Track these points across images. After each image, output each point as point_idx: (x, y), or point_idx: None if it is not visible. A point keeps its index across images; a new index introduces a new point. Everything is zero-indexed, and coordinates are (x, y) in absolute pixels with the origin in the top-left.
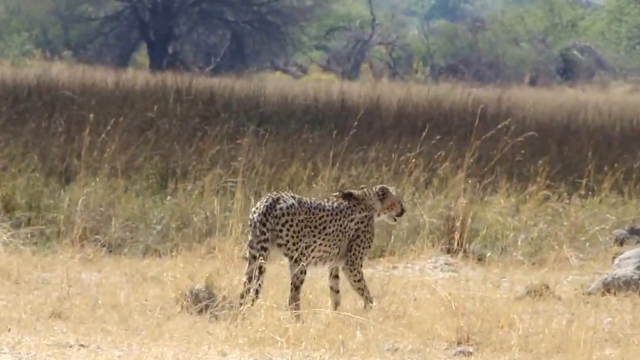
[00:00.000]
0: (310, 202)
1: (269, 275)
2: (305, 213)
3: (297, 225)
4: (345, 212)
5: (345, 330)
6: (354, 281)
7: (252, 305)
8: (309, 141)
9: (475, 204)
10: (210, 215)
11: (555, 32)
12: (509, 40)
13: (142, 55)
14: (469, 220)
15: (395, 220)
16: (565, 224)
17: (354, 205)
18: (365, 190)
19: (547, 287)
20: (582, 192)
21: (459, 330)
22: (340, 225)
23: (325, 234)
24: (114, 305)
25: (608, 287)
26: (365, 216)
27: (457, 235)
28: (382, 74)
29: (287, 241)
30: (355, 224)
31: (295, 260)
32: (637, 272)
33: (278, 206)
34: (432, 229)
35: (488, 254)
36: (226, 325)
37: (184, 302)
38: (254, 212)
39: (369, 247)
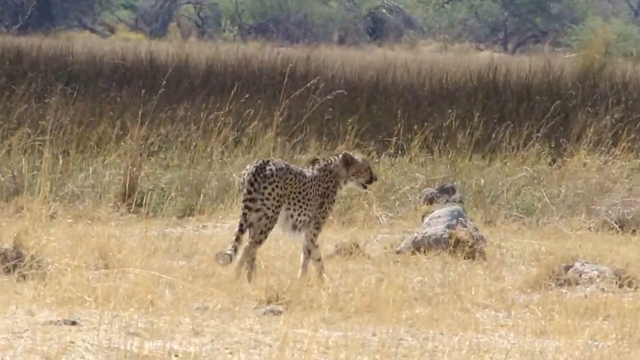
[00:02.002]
0: (296, 169)
1: (78, 235)
2: (291, 179)
3: (281, 189)
4: (318, 179)
5: (154, 290)
6: (313, 245)
7: (229, 261)
8: (117, 100)
9: None
10: (18, 174)
11: None
12: None
13: None
14: None
15: (365, 187)
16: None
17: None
18: (331, 157)
19: (357, 246)
20: (392, 151)
21: (268, 289)
22: (317, 192)
23: (308, 200)
24: None
25: (418, 246)
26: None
27: None
28: (190, 33)
29: (267, 198)
30: (325, 187)
31: (268, 218)
32: (447, 230)
33: (267, 167)
34: (242, 188)
35: None
36: (34, 285)
37: None
38: (244, 174)
39: (330, 210)
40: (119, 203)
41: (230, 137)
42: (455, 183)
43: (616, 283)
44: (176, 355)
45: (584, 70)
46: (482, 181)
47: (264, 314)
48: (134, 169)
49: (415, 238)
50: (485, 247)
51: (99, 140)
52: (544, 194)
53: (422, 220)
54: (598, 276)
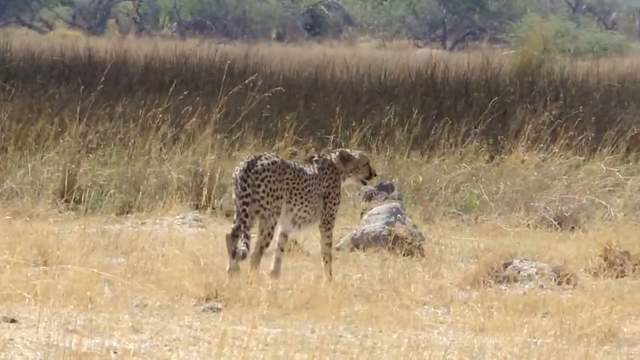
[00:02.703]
0: (295, 165)
1: (17, 231)
2: (289, 174)
3: (274, 183)
4: (318, 177)
5: (93, 287)
6: (326, 244)
7: (242, 258)
8: (55, 97)
9: (223, 159)
10: None
11: None
12: None
13: None
14: (217, 176)
15: (364, 183)
16: None
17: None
18: (328, 155)
19: (296, 243)
20: (330, 147)
21: (207, 286)
22: (317, 190)
23: (310, 197)
24: None
25: (357, 243)
26: (335, 178)
27: (205, 191)
28: (128, 29)
29: (262, 197)
30: (328, 184)
31: (266, 219)
32: (386, 227)
33: (259, 162)
34: (180, 185)
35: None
36: None
37: None
38: (236, 170)
39: (338, 205)
40: (57, 200)
41: (168, 134)
42: (393, 180)
43: (555, 280)
44: (115, 352)
45: (522, 67)
46: (421, 178)
47: (203, 311)
48: (73, 165)
49: (354, 235)
50: (424, 244)
51: (38, 137)
52: (483, 191)
53: (361, 217)
54: (537, 273)
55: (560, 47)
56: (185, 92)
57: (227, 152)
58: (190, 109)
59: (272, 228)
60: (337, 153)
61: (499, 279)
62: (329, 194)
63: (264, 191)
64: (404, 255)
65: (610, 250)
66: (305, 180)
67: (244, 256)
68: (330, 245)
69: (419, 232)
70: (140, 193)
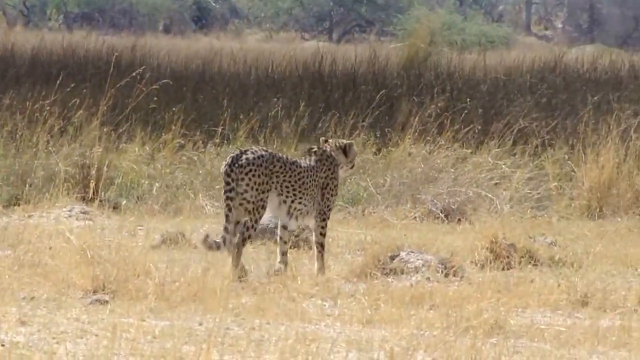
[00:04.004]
0: (286, 158)
1: None
2: (279, 167)
3: (259, 177)
4: (316, 169)
5: None
6: (320, 233)
7: (217, 249)
8: None
9: (110, 152)
10: None
11: None
12: None
13: None
14: (105, 168)
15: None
16: (201, 172)
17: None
18: (325, 146)
19: (183, 236)
20: (218, 140)
21: (94, 278)
22: (315, 181)
23: (304, 189)
24: None
25: None
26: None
27: (92, 184)
28: (15, 22)
29: (245, 190)
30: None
31: (250, 212)
32: (273, 220)
33: (244, 156)
34: (68, 178)
35: (124, 203)
36: None
37: None
38: (223, 165)
39: (335, 197)
40: None
41: (55, 126)
42: None
43: (441, 272)
44: (3, 345)
45: (409, 59)
46: None
47: (91, 303)
48: None
49: None
50: (311, 236)
51: None
52: (370, 184)
53: None
54: (423, 265)
55: (447, 40)
56: (73, 85)
57: (114, 144)
58: (78, 101)
59: (257, 222)
60: (339, 144)
61: (385, 272)
62: (327, 185)
63: (247, 184)
64: (291, 247)
65: (496, 242)
66: (298, 173)
67: (217, 247)
68: (324, 235)
69: (306, 225)
70: (28, 185)
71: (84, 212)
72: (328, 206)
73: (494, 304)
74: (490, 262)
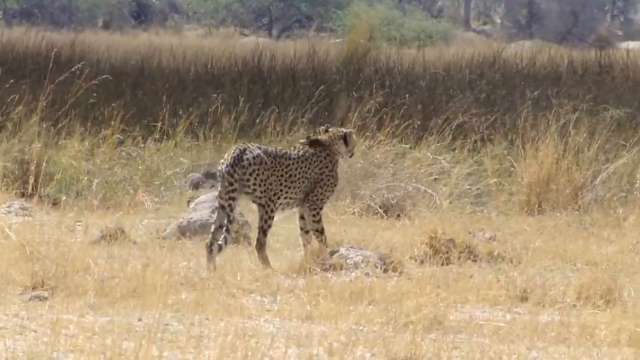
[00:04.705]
0: (276, 152)
1: None
2: (271, 162)
3: (263, 173)
4: (311, 160)
5: None
6: (313, 221)
7: (219, 251)
8: None
9: (49, 147)
10: None
11: None
12: None
13: None
14: (44, 164)
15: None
16: (140, 167)
17: (320, 152)
18: (330, 134)
19: (123, 231)
20: (157, 135)
21: (34, 275)
22: (306, 172)
23: (292, 182)
24: None
25: (184, 231)
26: (330, 161)
27: (31, 180)
28: None
29: (255, 189)
30: (320, 168)
31: (263, 206)
32: (213, 216)
33: (245, 157)
34: (7, 173)
35: (63, 198)
36: None
37: None
38: (222, 164)
39: (332, 191)
40: None
41: None
42: None
43: (381, 268)
44: None
45: (349, 55)
46: None
47: (30, 299)
48: None
49: (181, 223)
50: (250, 232)
51: None
52: None
53: (188, 205)
54: (363, 261)
55: (387, 36)
56: (12, 81)
57: (53, 140)
58: (17, 97)
59: (272, 211)
60: (341, 133)
61: (325, 267)
62: (322, 178)
63: (254, 183)
64: (230, 243)
65: (435, 238)
66: (287, 166)
67: (219, 250)
68: (318, 221)
69: (245, 220)
70: None
71: (23, 208)
72: (321, 199)
73: (433, 299)
74: (430, 258)
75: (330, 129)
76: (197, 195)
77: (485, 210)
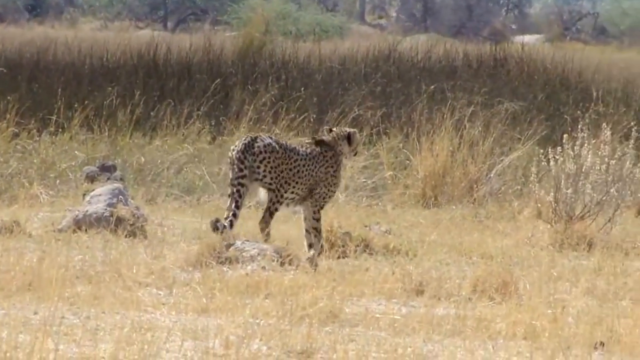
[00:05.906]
0: (287, 144)
1: None
2: (282, 153)
3: (274, 161)
4: (318, 158)
5: None
6: (313, 219)
7: (221, 234)
8: None
9: None
10: None
11: None
12: None
13: None
14: None
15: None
16: (36, 160)
17: (327, 151)
18: (334, 134)
19: (18, 224)
20: (52, 128)
21: None
22: (312, 170)
23: (299, 177)
24: None
25: (79, 224)
26: (336, 161)
27: None
28: None
29: (265, 175)
30: (326, 167)
31: (274, 190)
32: (108, 208)
33: (256, 144)
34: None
35: None
36: None
37: None
38: (233, 150)
39: (335, 191)
40: None
41: None
42: (116, 161)
43: (277, 261)
44: None
45: (244, 48)
46: (143, 159)
47: None
48: None
49: (77, 216)
50: (147, 225)
51: None
52: (205, 172)
53: (83, 198)
54: (259, 254)
55: (282, 29)
56: None
57: None
58: None
59: (282, 196)
60: (345, 133)
61: (221, 260)
62: (326, 178)
63: (264, 170)
64: (126, 236)
65: (332, 231)
66: (295, 161)
67: (222, 231)
68: (318, 220)
69: (142, 214)
70: None
71: None
72: (324, 198)
73: (329, 292)
74: (326, 251)
75: (334, 129)
76: (92, 188)
77: (381, 204)
